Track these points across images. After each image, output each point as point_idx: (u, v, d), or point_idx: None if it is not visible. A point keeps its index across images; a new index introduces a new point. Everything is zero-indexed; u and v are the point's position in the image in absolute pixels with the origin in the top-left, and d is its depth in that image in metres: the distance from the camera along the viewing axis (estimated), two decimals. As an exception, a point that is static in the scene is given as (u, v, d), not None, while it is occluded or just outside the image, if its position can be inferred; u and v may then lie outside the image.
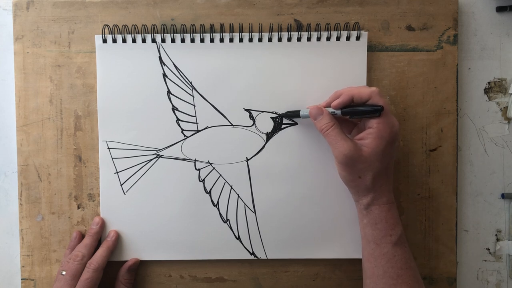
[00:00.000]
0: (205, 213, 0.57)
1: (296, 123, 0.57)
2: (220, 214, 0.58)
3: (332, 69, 0.56)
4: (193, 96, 0.57)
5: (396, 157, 0.51)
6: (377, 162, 0.48)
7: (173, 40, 0.56)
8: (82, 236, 0.57)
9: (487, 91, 0.60)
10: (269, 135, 0.57)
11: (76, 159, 0.57)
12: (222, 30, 0.57)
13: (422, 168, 0.58)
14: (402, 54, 0.58)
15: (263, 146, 0.57)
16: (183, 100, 0.57)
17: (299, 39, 0.56)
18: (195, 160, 0.57)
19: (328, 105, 0.52)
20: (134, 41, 0.56)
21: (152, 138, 0.57)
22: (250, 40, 0.56)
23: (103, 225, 0.57)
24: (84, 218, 0.58)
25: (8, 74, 0.59)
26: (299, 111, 0.55)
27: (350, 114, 0.50)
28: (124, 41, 0.56)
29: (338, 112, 0.51)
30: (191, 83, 0.57)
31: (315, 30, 0.57)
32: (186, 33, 0.57)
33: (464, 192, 0.60)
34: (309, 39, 0.56)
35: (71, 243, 0.57)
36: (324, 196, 0.57)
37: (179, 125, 0.57)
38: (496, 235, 0.60)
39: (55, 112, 0.57)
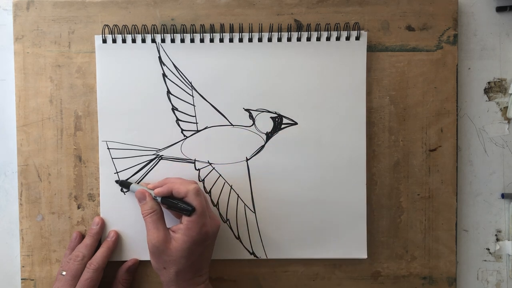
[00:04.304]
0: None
1: (296, 123, 0.57)
2: (220, 214, 0.58)
3: (331, 69, 0.56)
4: (193, 96, 0.57)
5: (209, 254, 0.53)
6: (182, 259, 0.49)
7: (173, 40, 0.56)
8: (82, 237, 0.57)
9: (487, 91, 0.59)
10: (269, 135, 0.57)
11: (76, 159, 0.57)
12: (222, 30, 0.57)
13: (422, 168, 0.58)
14: (402, 54, 0.58)
15: (263, 146, 0.57)
16: (182, 100, 0.57)
17: (299, 39, 0.56)
18: (195, 160, 0.57)
19: (156, 188, 0.53)
20: (134, 41, 0.56)
21: (152, 138, 0.57)
22: (250, 40, 0.56)
23: (103, 225, 0.57)
24: (84, 218, 0.58)
25: (8, 74, 0.59)
26: (131, 184, 0.55)
27: (168, 205, 0.51)
28: (124, 41, 0.56)
29: (159, 199, 0.52)
30: (190, 83, 0.57)
31: (315, 30, 0.57)
32: (186, 33, 0.57)
33: (464, 192, 0.60)
34: (309, 39, 0.56)
35: (71, 243, 0.57)
36: (324, 196, 0.57)
37: (179, 125, 0.57)
38: (496, 235, 0.60)
39: (55, 112, 0.57)
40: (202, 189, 0.57)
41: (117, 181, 0.57)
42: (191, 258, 0.50)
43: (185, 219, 0.50)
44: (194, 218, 0.49)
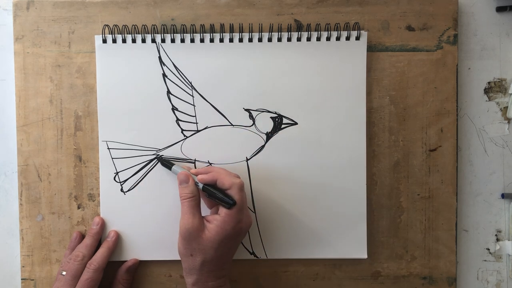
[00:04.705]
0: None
1: (296, 123, 0.57)
2: (220, 214, 0.58)
3: (332, 69, 0.56)
4: (193, 96, 0.57)
5: (235, 250, 0.53)
6: (211, 250, 0.49)
7: (173, 40, 0.56)
8: (82, 237, 0.57)
9: (487, 91, 0.60)
10: (269, 135, 0.57)
11: (76, 159, 0.57)
12: (222, 30, 0.57)
13: (422, 168, 0.58)
14: (402, 54, 0.58)
15: (263, 146, 0.57)
16: (183, 100, 0.57)
17: (299, 39, 0.56)
18: (195, 160, 0.57)
19: (199, 174, 0.53)
20: (134, 41, 0.56)
21: (152, 138, 0.57)
22: (250, 40, 0.56)
23: (103, 225, 0.57)
24: (84, 218, 0.58)
25: (8, 74, 0.59)
26: (173, 165, 0.55)
27: (208, 193, 0.51)
28: (124, 41, 0.56)
29: (201, 186, 0.52)
30: (190, 83, 0.57)
31: (315, 30, 0.57)
32: (186, 33, 0.57)
33: (464, 192, 0.60)
34: (309, 39, 0.56)
35: (71, 243, 0.57)
36: (324, 196, 0.57)
37: (179, 125, 0.57)
38: (496, 235, 0.60)
39: (55, 112, 0.57)
40: None
41: (158, 158, 0.56)
42: (220, 251, 0.50)
43: (223, 211, 0.50)
44: (233, 212, 0.49)
